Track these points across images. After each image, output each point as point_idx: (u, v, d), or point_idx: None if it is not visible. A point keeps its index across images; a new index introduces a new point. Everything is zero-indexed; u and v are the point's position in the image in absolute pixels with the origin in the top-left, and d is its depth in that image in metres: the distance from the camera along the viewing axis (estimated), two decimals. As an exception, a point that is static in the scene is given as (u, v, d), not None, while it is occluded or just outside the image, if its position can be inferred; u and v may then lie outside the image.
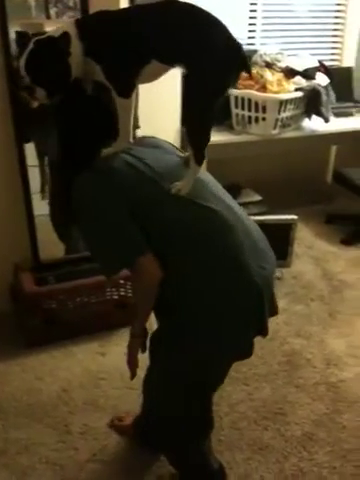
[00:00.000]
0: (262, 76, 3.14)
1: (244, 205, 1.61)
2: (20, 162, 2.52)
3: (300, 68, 3.27)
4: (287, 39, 3.75)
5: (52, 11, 2.39)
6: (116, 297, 2.65)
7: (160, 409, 1.66)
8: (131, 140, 1.52)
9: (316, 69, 3.36)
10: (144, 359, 1.63)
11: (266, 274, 1.49)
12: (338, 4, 3.89)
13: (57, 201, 2.72)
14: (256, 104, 3.14)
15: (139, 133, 1.65)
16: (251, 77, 3.07)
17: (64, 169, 1.64)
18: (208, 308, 1.43)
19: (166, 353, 1.55)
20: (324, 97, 3.28)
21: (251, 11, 3.64)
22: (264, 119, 3.16)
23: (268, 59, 3.26)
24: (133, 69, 1.40)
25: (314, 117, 3.36)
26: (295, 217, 3.01)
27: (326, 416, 2.19)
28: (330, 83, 3.37)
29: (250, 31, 3.69)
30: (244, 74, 1.47)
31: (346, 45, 3.98)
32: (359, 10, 3.90)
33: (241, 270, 1.43)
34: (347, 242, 3.62)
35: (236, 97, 3.18)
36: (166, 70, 1.43)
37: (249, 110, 3.18)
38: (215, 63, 1.34)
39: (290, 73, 3.23)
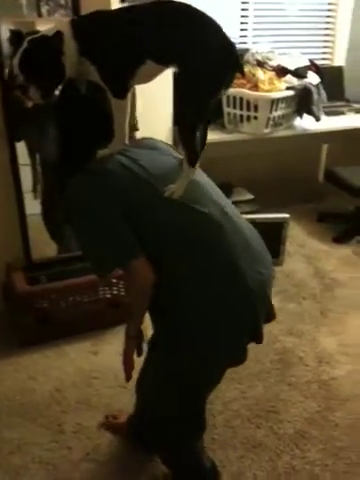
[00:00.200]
0: (254, 75, 3.15)
1: (236, 204, 1.61)
2: (12, 161, 2.51)
3: (291, 67, 3.28)
4: (278, 38, 3.76)
5: (43, 9, 2.38)
6: (109, 296, 2.64)
7: (153, 409, 1.66)
8: (127, 141, 1.52)
9: (307, 68, 3.37)
10: (139, 361, 1.63)
11: (263, 279, 1.48)
12: (329, 3, 3.91)
13: (50, 200, 2.71)
14: (248, 103, 3.15)
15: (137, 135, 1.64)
16: (242, 77, 3.08)
17: (59, 169, 1.64)
18: (200, 311, 1.42)
19: (160, 354, 1.55)
20: (315, 96, 3.29)
21: (243, 10, 3.65)
22: (256, 118, 3.17)
23: (260, 58, 3.26)
24: (128, 70, 1.39)
25: (305, 116, 3.37)
26: (287, 216, 3.02)
27: (318, 414, 2.20)
28: (321, 82, 3.38)
29: (242, 30, 3.70)
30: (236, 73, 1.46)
31: (337, 44, 4.00)
32: (350, 9, 3.92)
33: (234, 274, 1.42)
34: (339, 240, 3.64)
35: (228, 96, 3.19)
36: (161, 71, 1.42)
37: (241, 109, 3.19)
38: (210, 63, 1.32)
39: (282, 72, 3.24)
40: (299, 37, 3.88)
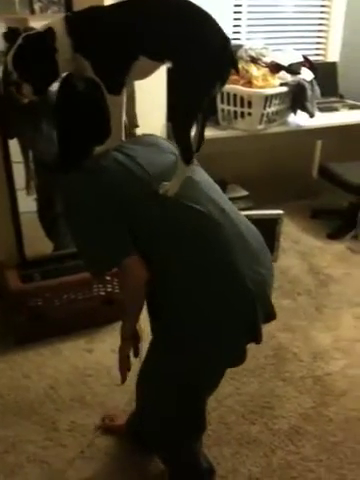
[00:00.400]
0: (247, 71, 3.14)
1: (230, 200, 1.60)
2: (4, 158, 2.50)
3: (285, 63, 3.27)
4: (272, 34, 3.76)
5: (36, 6, 2.37)
6: (103, 294, 2.64)
7: (152, 409, 1.64)
8: (124, 138, 1.50)
9: (301, 64, 3.37)
10: (137, 362, 1.62)
11: (261, 279, 1.46)
12: (323, -1, 3.91)
13: (45, 198, 2.70)
14: (241, 99, 3.14)
15: (138, 131, 1.63)
16: (236, 73, 3.08)
17: (55, 166, 1.63)
18: (197, 310, 1.41)
19: (158, 353, 1.55)
20: (309, 92, 3.29)
21: (236, 6, 3.64)
22: (250, 114, 3.17)
23: (253, 54, 3.25)
24: (122, 65, 1.37)
25: (299, 112, 3.36)
26: (281, 212, 3.02)
27: (313, 409, 2.20)
28: (315, 78, 3.37)
29: (235, 26, 3.69)
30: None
31: (331, 40, 4.00)
32: (343, 5, 3.92)
33: (232, 273, 1.41)
34: (333, 236, 3.65)
35: (222, 92, 3.18)
36: (157, 67, 1.40)
37: (235, 105, 3.18)
38: (205, 58, 1.29)
39: (275, 68, 3.23)
40: (293, 33, 3.88)
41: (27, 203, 2.63)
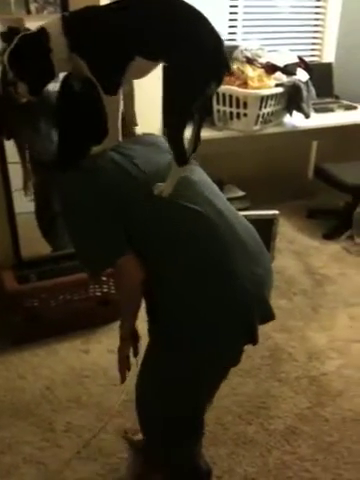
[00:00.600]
0: (243, 72, 3.15)
1: (227, 201, 1.60)
2: (0, 159, 2.49)
3: (281, 64, 3.28)
4: (268, 35, 3.77)
5: (32, 6, 2.37)
6: (99, 294, 2.64)
7: (151, 409, 1.63)
8: (120, 138, 1.50)
9: (296, 65, 3.37)
10: (135, 363, 1.62)
11: (258, 280, 1.46)
12: (318, 0, 3.91)
13: (42, 198, 2.70)
14: (237, 100, 3.15)
15: (137, 130, 1.63)
16: (231, 74, 3.10)
17: (52, 166, 1.62)
18: (192, 310, 1.41)
19: (155, 353, 1.54)
20: (305, 93, 3.29)
21: (232, 6, 3.64)
22: (245, 115, 3.17)
23: (249, 55, 3.26)
24: (118, 66, 1.37)
25: (295, 113, 3.37)
26: (277, 212, 3.02)
27: (309, 409, 2.21)
28: (310, 79, 3.38)
29: (231, 26, 3.70)
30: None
31: (326, 41, 4.01)
32: (339, 6, 3.93)
33: (228, 274, 1.41)
34: (328, 237, 3.65)
35: (217, 93, 3.18)
36: (153, 66, 1.40)
37: (230, 106, 3.19)
38: (200, 57, 1.29)
39: (271, 69, 3.24)
40: (288, 34, 3.89)
41: (23, 204, 2.63)
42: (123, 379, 1.57)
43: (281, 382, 2.36)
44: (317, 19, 3.98)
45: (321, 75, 3.72)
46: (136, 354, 1.60)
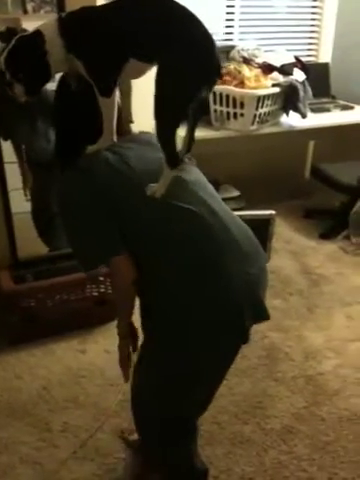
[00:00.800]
0: (240, 72, 3.15)
1: (223, 201, 1.60)
2: (-3, 159, 2.50)
3: (277, 64, 3.28)
4: (264, 35, 3.77)
5: (29, 6, 2.37)
6: (96, 294, 2.64)
7: (146, 408, 1.63)
8: (115, 138, 1.50)
9: (293, 65, 3.37)
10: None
11: (251, 279, 1.45)
12: (315, 0, 3.92)
13: (39, 198, 2.70)
14: (234, 100, 3.15)
15: (133, 127, 1.62)
16: (228, 73, 3.10)
17: (52, 166, 1.63)
18: (182, 310, 1.41)
19: (149, 352, 1.55)
20: (301, 93, 3.30)
21: (229, 6, 3.65)
22: (242, 115, 3.17)
23: (246, 55, 3.26)
24: (113, 67, 1.38)
25: (292, 113, 3.37)
26: (273, 212, 3.03)
27: (305, 409, 2.21)
28: (307, 79, 3.38)
29: (228, 26, 3.70)
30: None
31: (323, 41, 4.02)
32: (335, 6, 3.93)
33: (219, 274, 1.41)
34: (325, 236, 3.66)
35: (214, 93, 3.18)
36: (148, 68, 1.40)
37: (227, 106, 3.19)
38: (192, 58, 1.29)
39: (268, 69, 3.24)
40: (285, 34, 3.90)
41: (19, 204, 2.63)
42: (126, 378, 1.57)
43: (277, 382, 2.36)
44: (314, 19, 3.99)
45: (318, 75, 3.73)
46: (135, 349, 1.61)
